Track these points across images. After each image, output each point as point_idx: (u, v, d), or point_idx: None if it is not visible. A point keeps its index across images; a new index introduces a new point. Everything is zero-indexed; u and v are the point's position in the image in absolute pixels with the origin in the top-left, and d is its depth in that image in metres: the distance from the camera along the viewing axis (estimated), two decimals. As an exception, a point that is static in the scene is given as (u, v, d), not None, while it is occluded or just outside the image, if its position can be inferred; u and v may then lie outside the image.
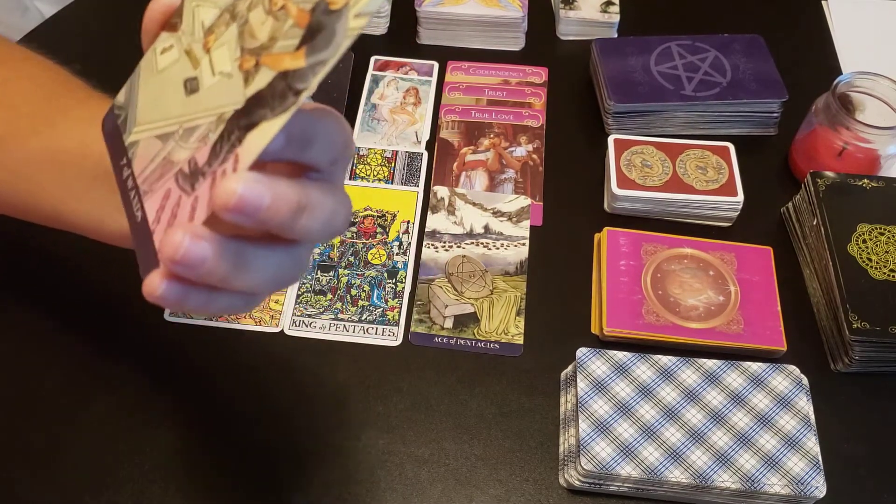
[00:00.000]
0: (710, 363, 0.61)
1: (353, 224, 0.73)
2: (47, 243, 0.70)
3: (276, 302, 0.68)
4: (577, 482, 0.58)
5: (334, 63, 0.30)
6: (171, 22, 0.36)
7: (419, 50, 0.89)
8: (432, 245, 0.72)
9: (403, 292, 0.69)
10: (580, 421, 0.58)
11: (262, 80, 0.31)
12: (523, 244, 0.73)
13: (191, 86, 0.35)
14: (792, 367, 0.61)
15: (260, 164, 0.32)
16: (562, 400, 0.63)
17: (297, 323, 0.67)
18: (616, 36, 0.90)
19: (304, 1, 0.31)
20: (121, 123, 0.38)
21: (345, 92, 0.84)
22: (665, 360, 0.61)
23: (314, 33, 0.30)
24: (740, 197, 0.73)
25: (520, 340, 0.67)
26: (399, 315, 0.68)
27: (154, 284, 0.33)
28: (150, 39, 0.38)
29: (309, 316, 0.68)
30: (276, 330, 0.67)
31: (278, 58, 0.31)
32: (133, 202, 0.36)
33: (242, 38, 0.33)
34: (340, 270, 0.71)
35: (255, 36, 0.32)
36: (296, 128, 0.32)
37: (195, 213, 0.33)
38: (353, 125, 0.82)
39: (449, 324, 0.68)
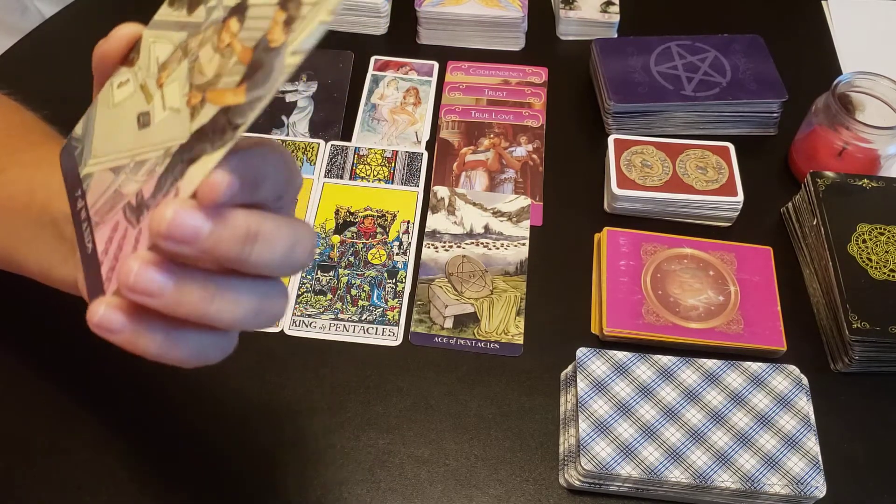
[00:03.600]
0: (710, 363, 0.61)
1: (353, 224, 0.74)
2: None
3: (276, 302, 0.68)
4: (577, 482, 0.58)
5: (269, 100, 0.30)
6: (129, 56, 0.37)
7: (419, 50, 0.89)
8: (432, 245, 0.72)
9: (403, 292, 0.69)
10: (580, 421, 0.58)
11: (206, 115, 0.32)
12: (523, 244, 0.73)
13: (143, 120, 0.35)
14: (792, 367, 0.61)
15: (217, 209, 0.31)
16: (562, 400, 0.63)
17: (297, 323, 0.67)
18: (616, 36, 0.90)
19: (249, 39, 0.31)
20: (77, 155, 0.38)
21: (345, 92, 0.84)
22: (665, 360, 0.61)
23: (254, 70, 0.31)
24: (740, 197, 0.73)
25: (520, 340, 0.67)
26: (399, 315, 0.68)
27: (93, 311, 0.32)
28: (105, 71, 0.38)
29: (309, 316, 0.68)
30: (276, 330, 0.67)
31: (221, 93, 0.32)
32: (85, 233, 0.36)
33: (192, 75, 0.33)
34: (340, 270, 0.71)
35: (204, 72, 0.33)
36: (248, 169, 0.32)
37: (139, 245, 0.33)
38: (353, 125, 0.82)
39: (449, 324, 0.68)
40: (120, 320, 0.33)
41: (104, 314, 0.32)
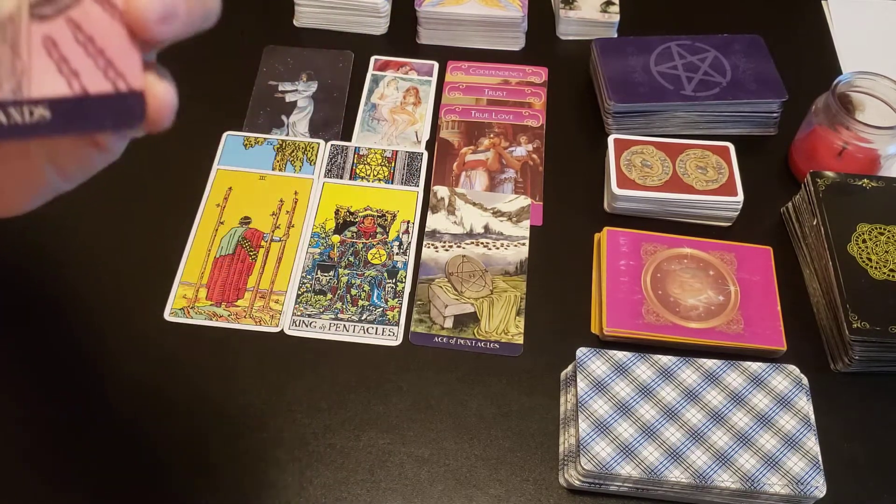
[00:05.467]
0: (710, 363, 0.61)
1: (353, 224, 0.73)
2: (50, 243, 0.71)
3: (276, 302, 0.68)
4: (577, 482, 0.58)
5: None
6: None
7: (419, 50, 0.89)
8: (432, 245, 0.72)
9: (403, 292, 0.69)
10: (580, 421, 0.58)
11: None
12: (523, 244, 0.73)
13: None
14: (792, 367, 0.61)
15: None
16: (562, 400, 0.63)
17: (297, 323, 0.67)
18: (616, 36, 0.90)
19: None
20: None
21: (345, 92, 0.84)
22: (665, 359, 0.61)
23: None
24: (740, 197, 0.73)
25: (520, 340, 0.67)
26: (399, 315, 0.68)
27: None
28: None
29: (309, 316, 0.68)
30: (276, 330, 0.67)
31: None
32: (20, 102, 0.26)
33: None
34: (340, 270, 0.71)
35: None
36: None
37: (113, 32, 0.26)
38: (353, 125, 0.82)
39: (449, 324, 0.68)
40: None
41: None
